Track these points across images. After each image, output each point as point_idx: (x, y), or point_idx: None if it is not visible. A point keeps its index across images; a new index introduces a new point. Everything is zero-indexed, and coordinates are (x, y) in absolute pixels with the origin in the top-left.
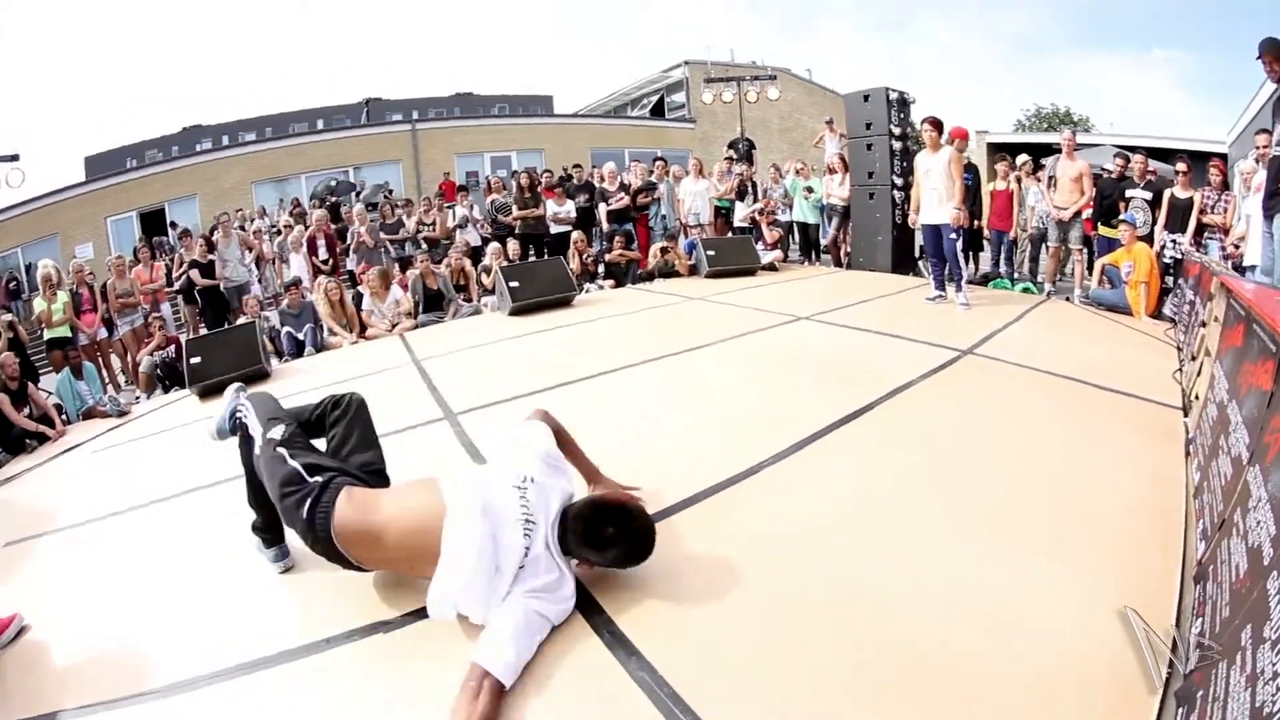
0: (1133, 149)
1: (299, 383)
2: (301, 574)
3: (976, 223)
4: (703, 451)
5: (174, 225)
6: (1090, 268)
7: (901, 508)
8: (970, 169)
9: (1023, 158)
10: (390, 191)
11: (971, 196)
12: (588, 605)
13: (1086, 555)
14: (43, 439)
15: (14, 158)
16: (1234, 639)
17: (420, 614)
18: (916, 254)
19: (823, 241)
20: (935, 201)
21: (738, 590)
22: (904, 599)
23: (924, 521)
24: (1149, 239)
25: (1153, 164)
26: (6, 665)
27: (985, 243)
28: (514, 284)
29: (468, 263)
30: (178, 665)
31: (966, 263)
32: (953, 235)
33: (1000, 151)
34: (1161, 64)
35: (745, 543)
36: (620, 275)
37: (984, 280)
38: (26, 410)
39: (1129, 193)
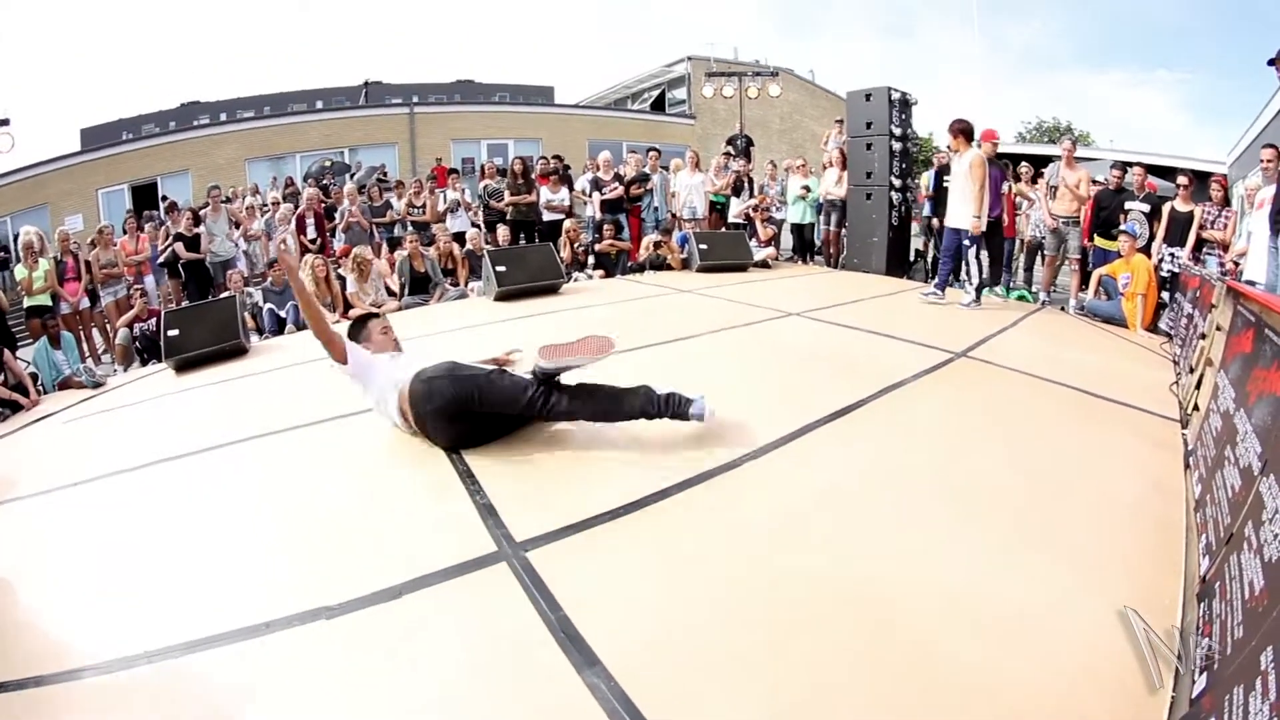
0: (1131, 164)
1: (276, 359)
2: (253, 550)
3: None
4: (685, 441)
5: (164, 199)
6: (1085, 279)
7: (893, 506)
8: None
9: (1024, 167)
10: (385, 175)
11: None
12: (541, 598)
13: (1086, 564)
14: (16, 407)
15: (4, 122)
16: (1252, 662)
17: (363, 601)
18: (911, 257)
19: (817, 241)
20: (957, 204)
21: (715, 588)
22: (899, 597)
23: (917, 521)
24: (1146, 251)
25: (1152, 179)
26: None
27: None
28: (500, 268)
29: (456, 246)
30: (124, 641)
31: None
32: (966, 241)
33: (1002, 160)
34: (1165, 85)
35: (725, 538)
36: (610, 266)
37: (979, 287)
38: (1, 378)
39: (1127, 205)
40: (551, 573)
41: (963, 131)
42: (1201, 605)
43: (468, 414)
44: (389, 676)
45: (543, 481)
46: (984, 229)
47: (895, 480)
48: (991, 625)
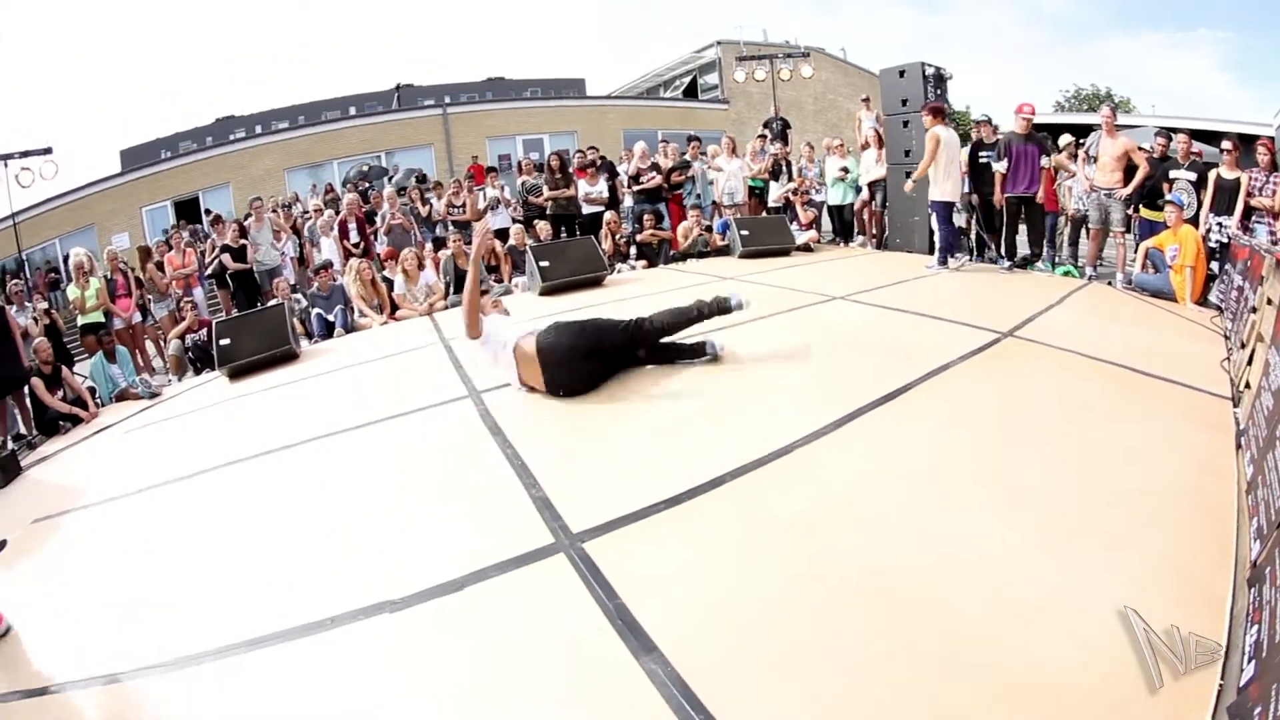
0: (1175, 130)
1: (327, 362)
2: (315, 548)
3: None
4: (734, 431)
5: (208, 212)
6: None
7: (940, 492)
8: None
9: (1065, 138)
10: (424, 177)
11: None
12: (599, 586)
13: (1133, 551)
14: (76, 421)
15: (46, 151)
16: None
17: (425, 594)
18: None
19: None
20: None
21: (766, 576)
22: (942, 588)
23: (964, 507)
24: (1194, 222)
25: (1196, 145)
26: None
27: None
28: (544, 263)
29: (498, 243)
30: (191, 639)
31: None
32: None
33: (1041, 132)
34: (1206, 44)
35: (775, 525)
36: (653, 256)
37: (1023, 263)
38: (60, 393)
39: (1173, 174)
40: (607, 562)
41: (931, 111)
42: (1251, 591)
43: (598, 351)
44: (452, 666)
45: (595, 475)
46: (945, 199)
47: (941, 466)
48: (1036, 612)
